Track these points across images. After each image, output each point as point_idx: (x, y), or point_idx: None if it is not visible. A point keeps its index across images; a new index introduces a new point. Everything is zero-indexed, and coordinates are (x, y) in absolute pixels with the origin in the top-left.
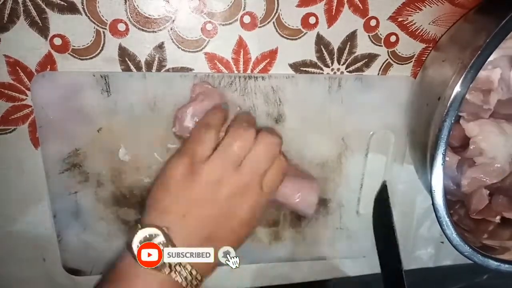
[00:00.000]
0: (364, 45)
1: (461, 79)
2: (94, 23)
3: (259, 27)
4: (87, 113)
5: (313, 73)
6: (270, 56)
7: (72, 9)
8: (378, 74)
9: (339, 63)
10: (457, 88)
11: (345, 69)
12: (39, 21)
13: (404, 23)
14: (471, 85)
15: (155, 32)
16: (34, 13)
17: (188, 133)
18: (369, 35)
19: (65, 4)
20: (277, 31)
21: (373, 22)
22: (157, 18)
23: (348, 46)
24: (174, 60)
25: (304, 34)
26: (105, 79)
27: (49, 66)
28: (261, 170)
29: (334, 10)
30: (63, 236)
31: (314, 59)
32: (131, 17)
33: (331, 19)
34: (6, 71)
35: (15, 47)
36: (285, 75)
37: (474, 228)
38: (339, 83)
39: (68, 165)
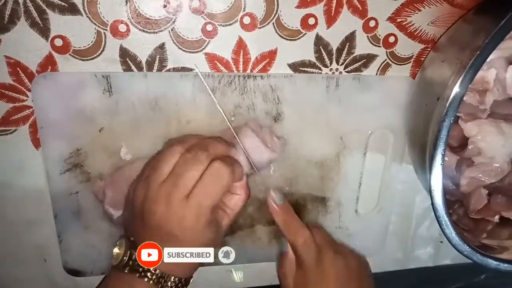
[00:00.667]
0: (363, 46)
1: (460, 79)
2: (95, 24)
3: (259, 28)
4: (89, 113)
5: (312, 73)
6: (270, 56)
7: (72, 10)
8: (376, 74)
9: (337, 63)
10: (456, 89)
11: (344, 69)
12: (39, 22)
13: (403, 23)
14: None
15: (156, 33)
16: (34, 14)
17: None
18: (368, 36)
19: (66, 5)
20: (276, 32)
21: (372, 23)
22: (157, 19)
23: (347, 46)
24: (174, 60)
25: (304, 34)
26: (107, 79)
27: (50, 67)
28: (208, 201)
29: (333, 11)
30: (63, 236)
31: (313, 59)
32: (132, 18)
33: (330, 20)
34: (7, 72)
35: (15, 48)
36: (284, 74)
37: (473, 228)
38: (337, 83)
39: (69, 165)
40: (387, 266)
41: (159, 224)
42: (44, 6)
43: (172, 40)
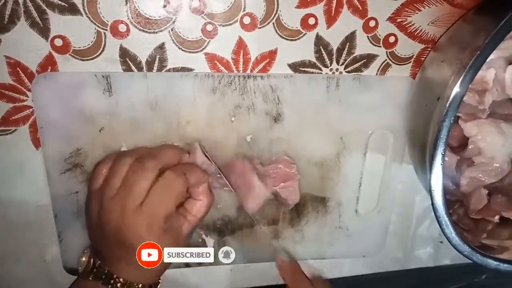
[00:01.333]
0: (363, 46)
1: (460, 79)
2: (95, 24)
3: (259, 28)
4: (89, 113)
5: (312, 73)
6: (270, 56)
7: (72, 10)
8: (377, 74)
9: (338, 63)
10: (456, 89)
11: (344, 69)
12: (39, 22)
13: (403, 24)
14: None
15: (156, 33)
16: (34, 14)
17: None
18: (368, 36)
19: (66, 5)
20: (276, 32)
21: (372, 23)
22: (157, 19)
23: (347, 46)
24: (174, 60)
25: (304, 35)
26: (107, 79)
27: (50, 67)
28: (160, 211)
29: (333, 11)
30: (64, 236)
31: (313, 59)
32: (132, 18)
33: (331, 20)
34: (7, 72)
35: (15, 48)
36: (284, 74)
37: (473, 228)
38: (337, 83)
39: (70, 165)
40: (387, 266)
41: (115, 233)
42: (44, 6)
43: (172, 40)
